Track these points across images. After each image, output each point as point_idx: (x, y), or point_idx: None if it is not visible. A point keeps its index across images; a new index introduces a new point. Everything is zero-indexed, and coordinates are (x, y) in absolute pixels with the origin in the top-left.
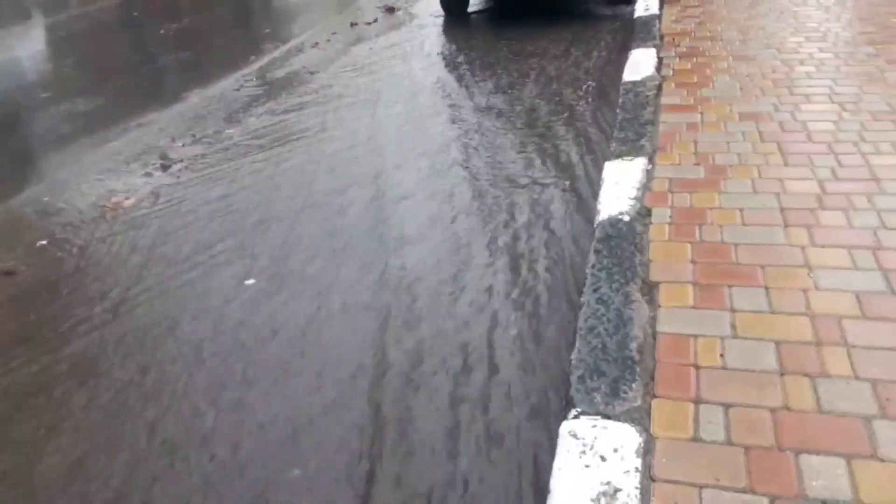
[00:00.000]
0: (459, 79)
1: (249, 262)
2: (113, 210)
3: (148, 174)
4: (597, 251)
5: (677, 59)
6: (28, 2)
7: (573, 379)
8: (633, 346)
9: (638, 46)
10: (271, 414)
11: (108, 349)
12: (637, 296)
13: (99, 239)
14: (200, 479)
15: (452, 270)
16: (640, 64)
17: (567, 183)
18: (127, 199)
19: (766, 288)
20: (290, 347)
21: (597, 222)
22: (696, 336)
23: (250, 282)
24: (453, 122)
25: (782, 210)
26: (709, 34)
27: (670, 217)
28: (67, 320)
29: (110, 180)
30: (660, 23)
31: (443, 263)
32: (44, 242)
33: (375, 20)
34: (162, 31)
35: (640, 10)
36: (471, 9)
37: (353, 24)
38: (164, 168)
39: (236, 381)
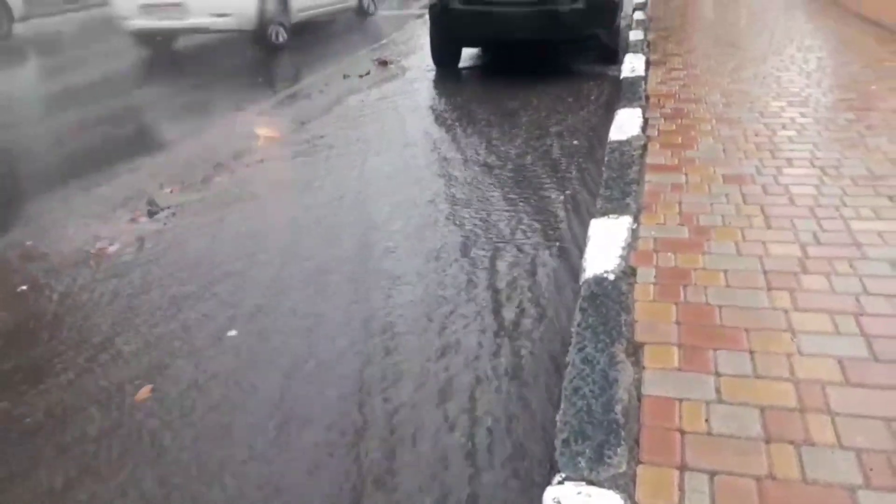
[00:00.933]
0: (449, 132)
1: (232, 313)
2: (97, 256)
3: (134, 220)
4: (582, 310)
5: (662, 120)
6: (24, 43)
7: (557, 442)
8: (619, 408)
9: (624, 106)
10: (247, 478)
11: (84, 401)
12: (622, 357)
13: (81, 286)
14: None
15: (436, 326)
16: (625, 123)
17: (554, 239)
18: (111, 245)
19: (751, 352)
20: (268, 403)
21: (582, 280)
22: (681, 399)
23: (232, 333)
24: (442, 175)
25: (765, 273)
26: (693, 96)
27: (655, 277)
28: (44, 369)
29: (96, 226)
30: (645, 84)
31: (427, 318)
32: (24, 288)
33: (368, 73)
34: (158, 77)
35: (626, 71)
36: (462, 64)
37: (346, 76)
38: (151, 214)
39: (212, 437)
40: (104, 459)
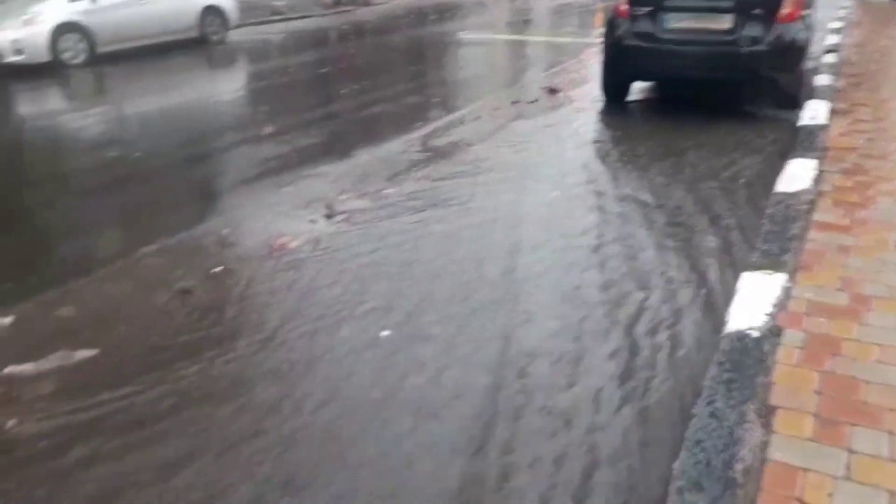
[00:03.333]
0: (608, 166)
1: (387, 314)
2: (279, 250)
3: (313, 221)
4: (719, 363)
5: (838, 175)
6: (237, 51)
7: (671, 488)
8: (739, 467)
9: (798, 156)
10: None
11: (256, 375)
12: (752, 416)
13: (263, 274)
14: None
15: (569, 355)
16: (796, 175)
17: (700, 288)
18: (292, 241)
19: (891, 433)
20: (409, 401)
21: (723, 333)
22: (807, 470)
23: (385, 333)
24: (595, 208)
25: None
26: (877, 153)
27: (802, 341)
28: (228, 343)
29: (280, 222)
30: (825, 134)
31: (560, 347)
32: (218, 270)
33: (537, 100)
34: (344, 91)
35: (806, 119)
36: (631, 97)
37: (514, 102)
38: (328, 217)
39: (357, 424)
40: (270, 423)
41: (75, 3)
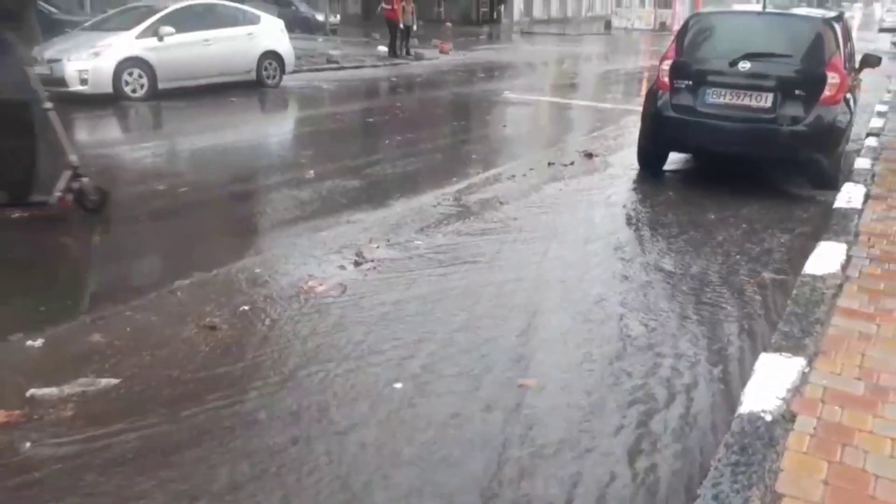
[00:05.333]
0: (636, 233)
1: (402, 366)
2: (306, 292)
3: (342, 267)
4: (727, 445)
5: (868, 262)
6: (290, 95)
7: None
8: None
9: (829, 239)
10: None
11: (269, 415)
12: (756, 502)
13: (289, 316)
14: None
15: (578, 424)
16: (825, 258)
17: (717, 366)
18: (320, 285)
19: None
20: (419, 459)
21: (736, 414)
22: None
23: (398, 385)
24: (618, 275)
25: None
26: None
27: (814, 429)
28: (246, 382)
29: (311, 266)
30: (859, 218)
31: (571, 413)
32: (246, 308)
33: (572, 163)
34: (387, 141)
35: (841, 201)
36: (667, 167)
37: (550, 164)
38: (357, 265)
39: (366, 472)
40: (270, 473)
41: (143, 39)
